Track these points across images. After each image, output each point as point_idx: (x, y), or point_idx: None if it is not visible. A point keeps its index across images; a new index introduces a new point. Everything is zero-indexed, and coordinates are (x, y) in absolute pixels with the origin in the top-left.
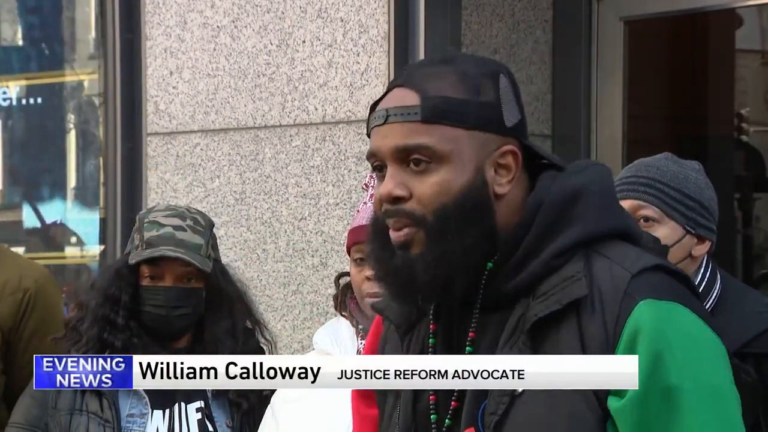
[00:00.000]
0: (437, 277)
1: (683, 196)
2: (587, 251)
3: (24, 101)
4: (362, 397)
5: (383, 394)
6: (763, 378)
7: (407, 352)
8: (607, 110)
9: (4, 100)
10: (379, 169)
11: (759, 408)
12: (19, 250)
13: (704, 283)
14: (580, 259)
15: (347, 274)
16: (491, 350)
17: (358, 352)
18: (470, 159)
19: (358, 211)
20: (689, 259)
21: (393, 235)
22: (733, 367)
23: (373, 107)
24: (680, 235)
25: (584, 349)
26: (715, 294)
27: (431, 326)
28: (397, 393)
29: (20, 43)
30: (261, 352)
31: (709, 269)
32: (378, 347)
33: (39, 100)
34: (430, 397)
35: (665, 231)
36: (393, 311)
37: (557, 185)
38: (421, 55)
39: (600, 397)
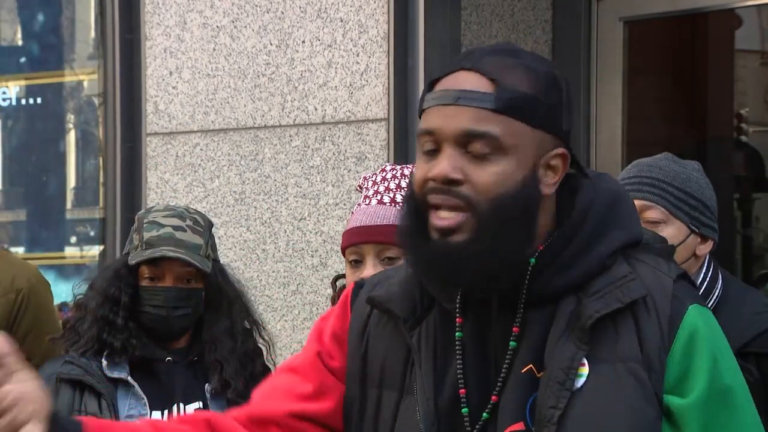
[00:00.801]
0: (486, 269)
1: (687, 196)
2: (625, 256)
3: (24, 101)
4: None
5: (356, 388)
6: (764, 377)
7: (418, 347)
8: (607, 110)
9: (4, 100)
10: (431, 149)
11: (761, 407)
12: (19, 250)
13: (706, 283)
14: (623, 262)
15: (344, 276)
16: (538, 346)
17: None
18: (529, 155)
19: (352, 213)
20: (693, 259)
21: (438, 218)
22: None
23: (431, 86)
24: (685, 235)
25: (642, 347)
26: (716, 293)
27: (458, 320)
28: (400, 387)
29: (20, 43)
30: (259, 352)
31: (711, 268)
32: (350, 334)
33: (39, 100)
34: (460, 391)
35: (671, 231)
36: (397, 305)
37: (601, 190)
38: (421, 55)
39: (657, 394)
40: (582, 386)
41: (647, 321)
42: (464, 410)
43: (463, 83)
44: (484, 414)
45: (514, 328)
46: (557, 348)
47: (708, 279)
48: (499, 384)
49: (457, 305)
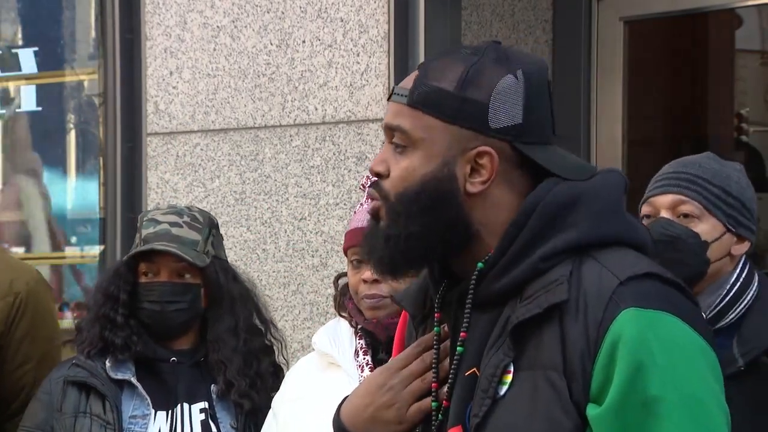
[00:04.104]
0: (387, 254)
1: (725, 194)
2: (581, 256)
3: (24, 101)
4: None
5: None
6: None
7: None
8: (607, 110)
9: (5, 99)
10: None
11: None
12: (19, 250)
13: (739, 283)
14: (570, 264)
15: (347, 274)
16: (479, 351)
17: (357, 353)
18: (440, 151)
19: (355, 213)
20: (728, 258)
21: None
22: (762, 367)
23: None
24: (720, 233)
25: (565, 354)
26: (750, 294)
27: (436, 315)
28: None
29: (20, 43)
30: (269, 351)
31: (746, 269)
32: (405, 342)
33: (39, 100)
34: (433, 385)
35: (705, 227)
36: (409, 301)
37: (557, 190)
38: (421, 55)
39: (579, 404)
40: (504, 394)
41: (573, 327)
42: (434, 404)
43: (403, 81)
44: (439, 416)
45: (461, 333)
46: (489, 354)
47: (742, 280)
48: (447, 389)
49: (437, 300)
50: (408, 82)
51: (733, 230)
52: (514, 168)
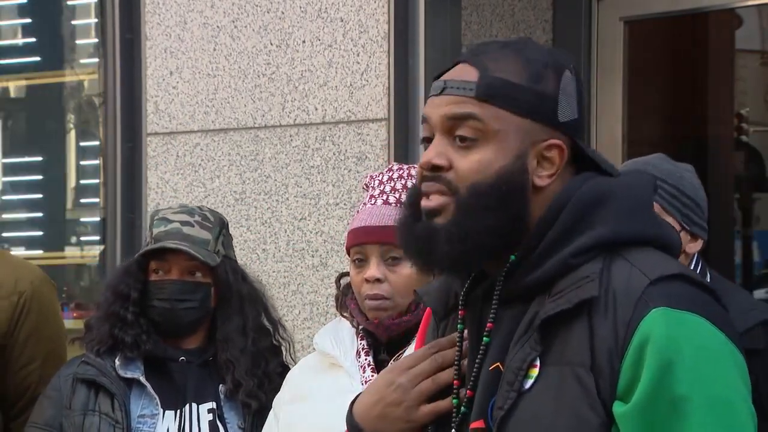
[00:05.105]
0: (455, 251)
1: (680, 194)
2: (611, 255)
3: (24, 101)
4: None
5: None
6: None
7: (442, 336)
8: (607, 110)
9: (5, 99)
10: (428, 141)
11: None
12: (19, 250)
13: None
14: (600, 261)
15: (348, 274)
16: (506, 344)
17: (358, 353)
18: (515, 144)
19: (357, 212)
20: (682, 256)
21: (424, 201)
22: None
23: (435, 80)
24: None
25: (593, 351)
26: None
27: (460, 312)
28: None
29: (20, 43)
30: (277, 351)
31: (699, 267)
32: (426, 339)
33: (39, 100)
34: (454, 381)
35: None
36: (431, 297)
37: (588, 186)
38: (421, 55)
39: (606, 401)
40: (530, 388)
41: (602, 324)
42: (454, 401)
43: (452, 74)
44: (463, 408)
45: (488, 324)
46: (515, 348)
47: None
48: (472, 380)
49: (462, 296)
50: (463, 74)
51: (688, 229)
52: (569, 163)
